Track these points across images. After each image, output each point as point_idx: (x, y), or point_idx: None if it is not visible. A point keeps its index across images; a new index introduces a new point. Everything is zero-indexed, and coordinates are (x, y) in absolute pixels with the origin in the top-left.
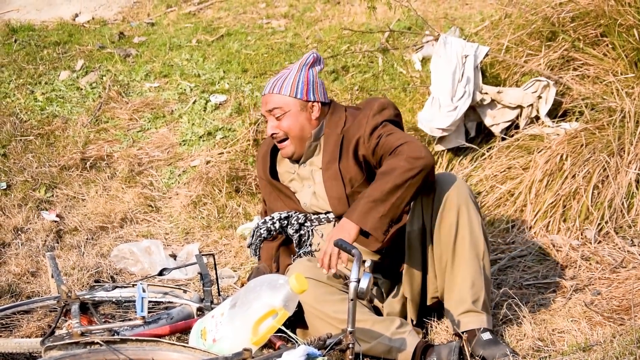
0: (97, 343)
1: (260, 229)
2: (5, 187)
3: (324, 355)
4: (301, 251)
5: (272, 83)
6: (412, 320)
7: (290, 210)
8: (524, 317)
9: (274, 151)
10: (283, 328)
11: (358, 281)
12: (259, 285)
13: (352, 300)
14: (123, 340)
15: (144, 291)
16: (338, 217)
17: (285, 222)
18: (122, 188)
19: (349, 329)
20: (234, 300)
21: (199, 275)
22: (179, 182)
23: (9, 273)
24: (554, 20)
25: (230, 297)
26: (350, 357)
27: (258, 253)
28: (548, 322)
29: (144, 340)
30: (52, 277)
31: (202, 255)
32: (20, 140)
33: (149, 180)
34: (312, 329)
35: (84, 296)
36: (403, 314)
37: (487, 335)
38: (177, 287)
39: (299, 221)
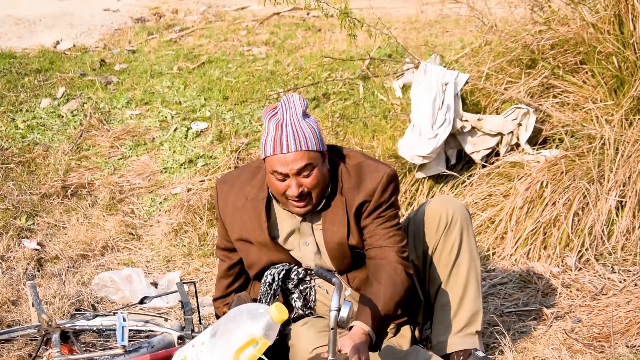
0: None
1: (269, 285)
2: None
3: None
4: (306, 311)
5: (292, 140)
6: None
7: (283, 263)
8: (505, 344)
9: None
10: (264, 357)
11: (338, 310)
12: (239, 314)
13: (332, 329)
14: None
15: (124, 320)
16: (339, 272)
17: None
18: (103, 216)
19: (330, 357)
20: (214, 329)
21: (180, 303)
22: (160, 210)
23: None
24: (533, 48)
25: (210, 325)
26: None
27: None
28: (529, 350)
29: None
30: (33, 305)
31: (183, 283)
32: (1, 168)
33: (130, 208)
34: None
35: (65, 325)
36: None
37: (481, 354)
38: (159, 315)
39: (299, 276)
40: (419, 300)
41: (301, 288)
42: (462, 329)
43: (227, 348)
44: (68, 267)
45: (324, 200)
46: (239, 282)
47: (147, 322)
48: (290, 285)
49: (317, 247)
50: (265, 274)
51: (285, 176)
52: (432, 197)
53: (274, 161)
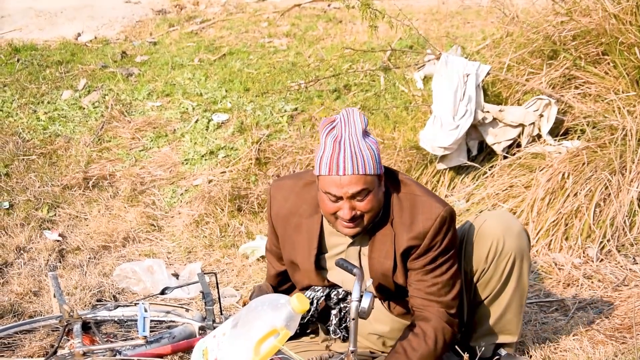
0: None
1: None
2: (7, 206)
3: None
4: (340, 334)
5: (350, 162)
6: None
7: (317, 285)
8: (527, 335)
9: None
10: (285, 348)
11: (359, 300)
12: (261, 305)
13: (353, 319)
14: None
15: (145, 311)
16: (382, 299)
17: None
18: (125, 207)
19: (351, 348)
20: (235, 320)
21: (201, 294)
22: (181, 201)
23: (11, 292)
24: (555, 39)
25: (232, 316)
26: None
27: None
28: (550, 341)
29: None
30: (55, 296)
31: (205, 274)
32: (23, 159)
33: (151, 200)
34: None
35: (86, 315)
36: None
37: (503, 352)
38: (180, 306)
39: (339, 296)
40: (462, 321)
41: (341, 306)
42: (491, 334)
43: (249, 339)
44: (89, 258)
45: (373, 225)
46: (285, 286)
47: (168, 312)
48: (330, 303)
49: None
50: (306, 293)
51: (339, 198)
52: (454, 188)
53: (328, 182)
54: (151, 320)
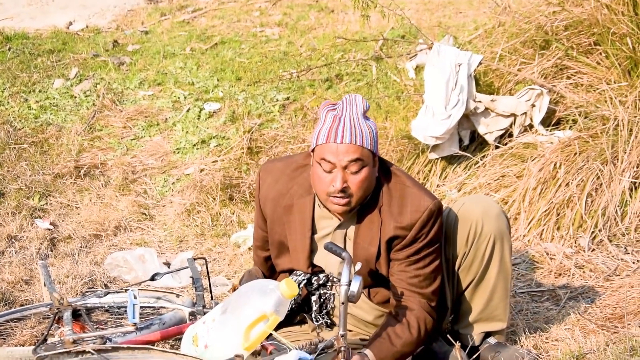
0: (89, 352)
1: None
2: None
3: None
4: (321, 320)
5: (349, 131)
6: None
7: (301, 269)
8: (518, 325)
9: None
10: (274, 333)
11: (349, 284)
12: (250, 290)
13: (343, 303)
14: (114, 349)
15: (135, 297)
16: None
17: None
18: (116, 196)
19: (341, 332)
20: (225, 306)
21: (191, 279)
22: (172, 190)
23: (2, 281)
24: (547, 29)
25: (221, 302)
26: None
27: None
28: (542, 330)
29: (136, 348)
30: (45, 285)
31: (195, 259)
32: (14, 148)
33: (142, 189)
34: None
35: (76, 303)
36: None
37: (493, 341)
38: (170, 292)
39: (319, 282)
40: (445, 307)
41: (321, 292)
42: (479, 322)
43: (238, 324)
44: (81, 247)
45: (361, 209)
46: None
47: (158, 298)
48: (311, 289)
49: None
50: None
51: (333, 167)
52: (445, 178)
53: (325, 149)
54: (141, 307)
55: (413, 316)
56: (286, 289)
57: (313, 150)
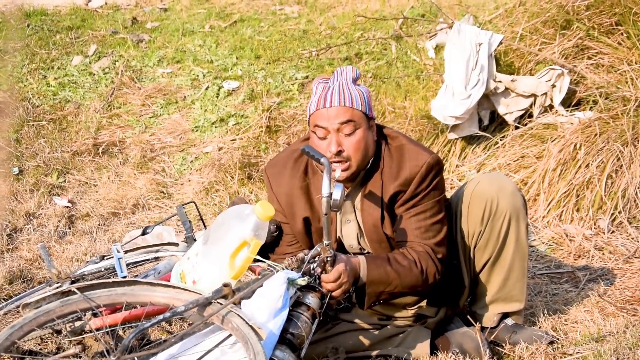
0: (71, 292)
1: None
2: (17, 172)
3: (304, 276)
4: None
5: (337, 95)
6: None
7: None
8: (537, 307)
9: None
10: (259, 257)
11: (330, 196)
12: (227, 218)
13: (325, 214)
14: (96, 286)
15: (118, 252)
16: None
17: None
18: (134, 174)
19: (325, 241)
20: (205, 237)
21: (182, 224)
22: (191, 169)
23: (20, 258)
24: (568, 9)
25: (201, 236)
26: (329, 268)
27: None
28: (561, 312)
29: (118, 282)
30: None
31: (183, 204)
32: (33, 125)
33: (161, 167)
34: None
35: (74, 273)
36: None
37: (510, 322)
38: (168, 243)
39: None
40: (463, 286)
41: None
42: (496, 302)
43: (221, 254)
44: (99, 224)
45: (365, 176)
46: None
47: (157, 250)
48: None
49: (360, 227)
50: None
51: (327, 133)
52: (464, 158)
53: (316, 116)
54: (141, 261)
55: (416, 254)
56: (261, 211)
57: (309, 121)
